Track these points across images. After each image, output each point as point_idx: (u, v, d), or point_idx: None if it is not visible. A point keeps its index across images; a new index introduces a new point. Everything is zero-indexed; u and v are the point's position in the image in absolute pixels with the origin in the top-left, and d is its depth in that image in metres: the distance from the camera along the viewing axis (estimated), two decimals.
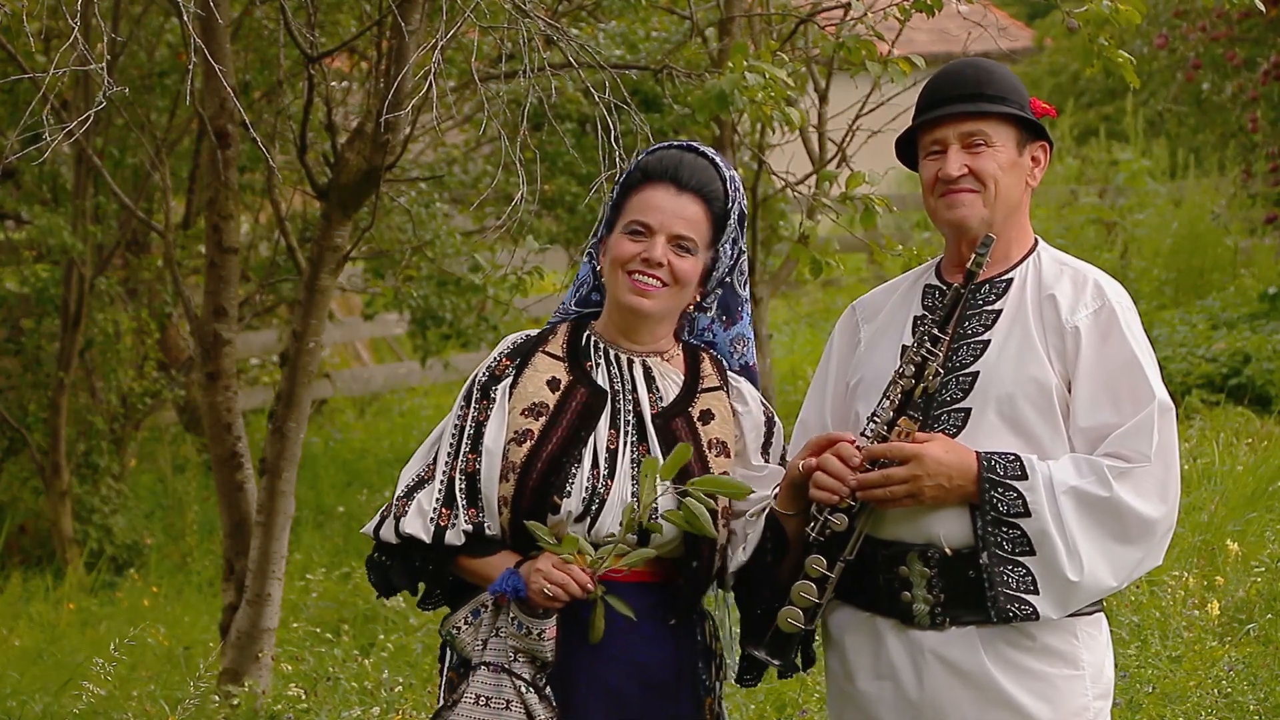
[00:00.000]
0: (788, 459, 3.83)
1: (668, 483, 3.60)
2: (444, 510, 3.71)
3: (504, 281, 8.12)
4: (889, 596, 3.66)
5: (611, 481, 3.66)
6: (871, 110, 7.42)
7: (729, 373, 3.84)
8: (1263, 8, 5.47)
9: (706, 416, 3.76)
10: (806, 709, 6.05)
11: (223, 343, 6.53)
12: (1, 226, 10.82)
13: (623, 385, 3.75)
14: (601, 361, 3.77)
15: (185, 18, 4.74)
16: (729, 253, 3.79)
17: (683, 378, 3.78)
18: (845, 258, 6.86)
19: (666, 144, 3.85)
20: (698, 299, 3.80)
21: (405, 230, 8.48)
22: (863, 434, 3.66)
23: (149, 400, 10.76)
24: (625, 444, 3.70)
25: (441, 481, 3.72)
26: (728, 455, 3.75)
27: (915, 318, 3.76)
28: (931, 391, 3.65)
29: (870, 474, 3.60)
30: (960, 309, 3.68)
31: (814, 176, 7.25)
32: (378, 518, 3.78)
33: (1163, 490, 3.58)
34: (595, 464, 3.67)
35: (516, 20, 4.94)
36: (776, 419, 3.85)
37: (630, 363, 3.77)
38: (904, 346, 3.72)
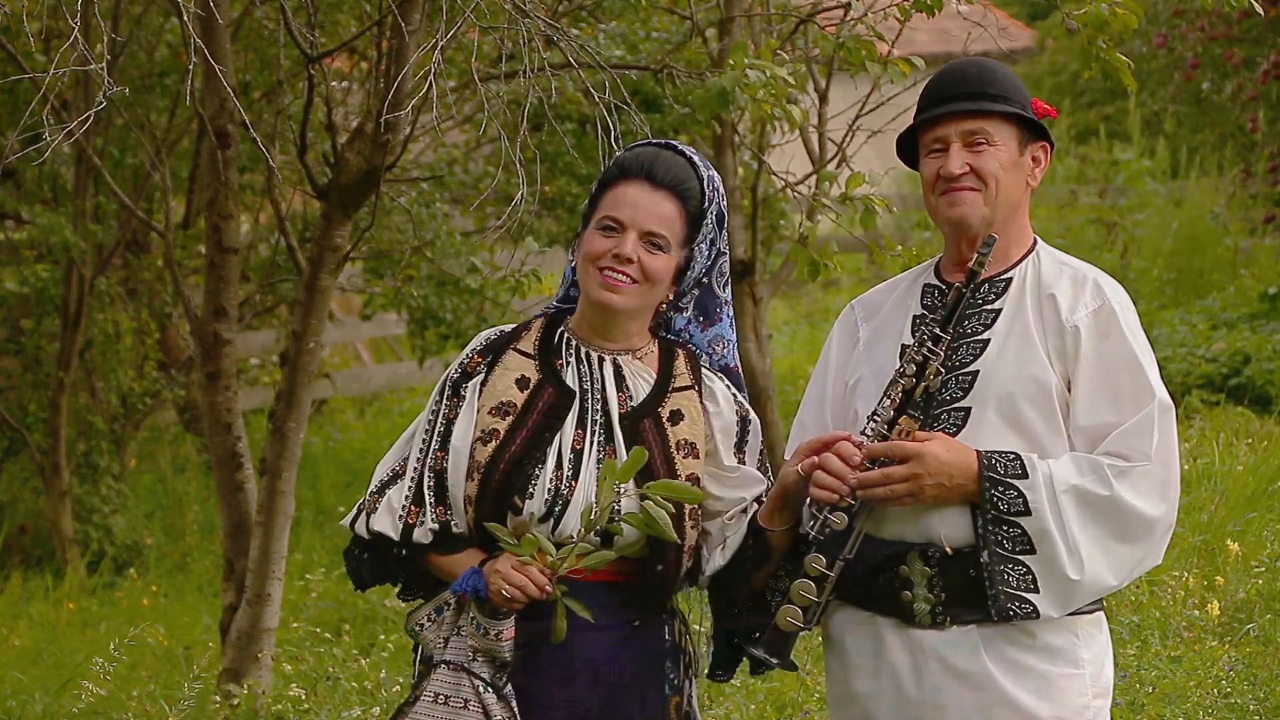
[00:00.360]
0: (785, 456, 3.82)
1: (629, 485, 3.60)
2: (412, 508, 3.72)
3: (503, 283, 8.13)
4: (889, 596, 3.66)
5: (575, 482, 3.65)
6: (871, 110, 7.43)
7: (703, 370, 3.80)
8: (1260, 9, 5.47)
9: (676, 417, 3.74)
10: (807, 709, 6.05)
11: (223, 343, 6.54)
12: (1, 226, 10.82)
13: (592, 384, 3.73)
14: (572, 360, 3.76)
15: (185, 18, 4.74)
16: (705, 253, 3.77)
17: (654, 376, 3.76)
18: (845, 258, 6.87)
19: (645, 141, 3.85)
20: (670, 298, 3.78)
21: (405, 230, 8.48)
22: (863, 433, 3.66)
23: (149, 400, 10.76)
24: (592, 444, 3.68)
25: (412, 478, 3.74)
26: (696, 456, 3.72)
27: (915, 317, 3.76)
28: (933, 391, 3.65)
29: (870, 473, 3.60)
30: (961, 308, 3.68)
31: (814, 176, 7.26)
32: (355, 510, 3.80)
33: (1163, 489, 3.59)
34: (559, 465, 3.66)
35: (516, 20, 4.94)
36: (753, 418, 3.82)
37: (601, 361, 3.75)
38: (904, 346, 3.72)
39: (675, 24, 8.20)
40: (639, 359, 3.77)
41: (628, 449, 3.65)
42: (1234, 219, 13.83)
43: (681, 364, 3.78)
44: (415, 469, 3.74)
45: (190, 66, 4.62)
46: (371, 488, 3.78)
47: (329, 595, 8.41)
